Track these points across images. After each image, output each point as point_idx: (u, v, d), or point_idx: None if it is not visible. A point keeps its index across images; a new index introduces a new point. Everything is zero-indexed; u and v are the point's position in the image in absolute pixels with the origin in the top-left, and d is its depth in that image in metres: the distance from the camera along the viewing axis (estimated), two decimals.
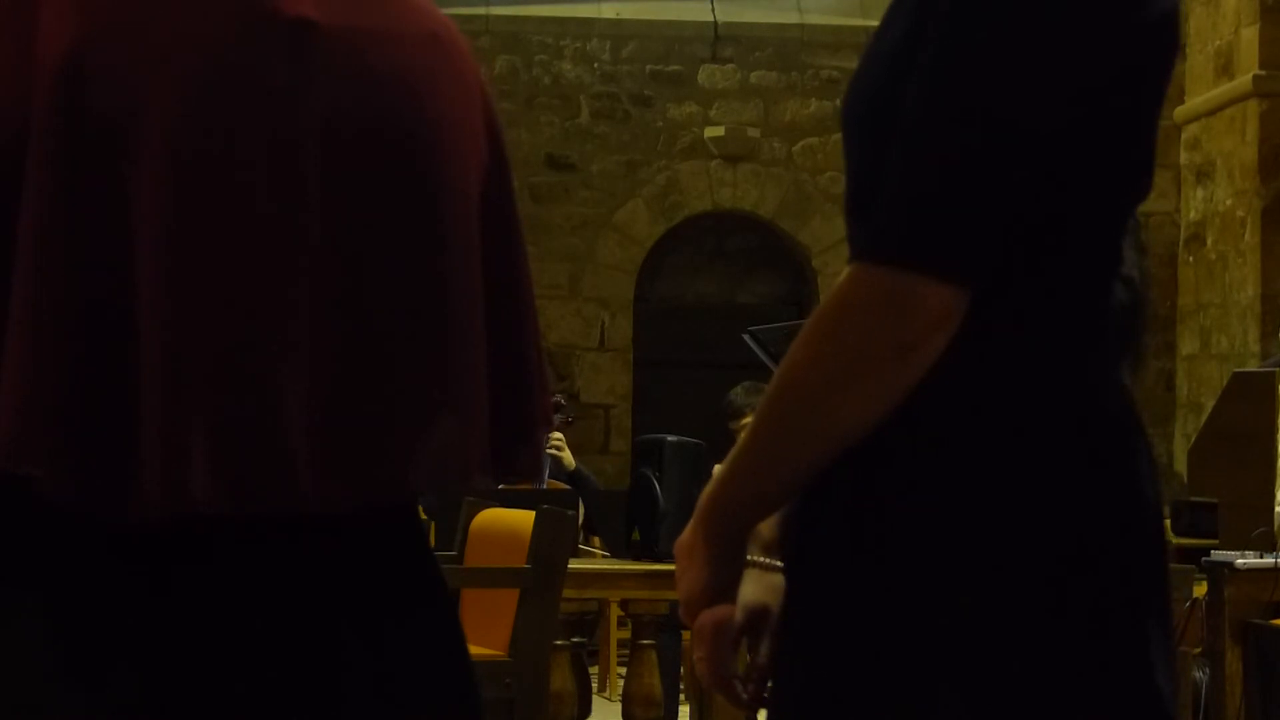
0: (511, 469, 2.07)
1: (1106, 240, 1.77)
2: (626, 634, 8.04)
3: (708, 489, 1.79)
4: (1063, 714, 1.70)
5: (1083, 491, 1.72)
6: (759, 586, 1.83)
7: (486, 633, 5.31)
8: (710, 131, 13.19)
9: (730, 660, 1.82)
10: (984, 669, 1.69)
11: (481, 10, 12.95)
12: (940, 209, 1.66)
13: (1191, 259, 12.29)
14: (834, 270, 12.85)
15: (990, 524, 1.69)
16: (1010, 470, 1.71)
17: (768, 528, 1.83)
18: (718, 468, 1.82)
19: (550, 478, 8.44)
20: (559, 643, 5.85)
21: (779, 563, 1.83)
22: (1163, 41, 1.75)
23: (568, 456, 8.90)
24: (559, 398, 9.26)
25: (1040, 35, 1.67)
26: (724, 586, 1.81)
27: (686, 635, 7.30)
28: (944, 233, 1.67)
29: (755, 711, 1.86)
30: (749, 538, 1.81)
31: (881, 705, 1.70)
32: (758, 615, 1.83)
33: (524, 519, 5.52)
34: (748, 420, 8.17)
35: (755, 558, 1.84)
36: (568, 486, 8.59)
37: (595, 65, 13.28)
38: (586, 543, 7.76)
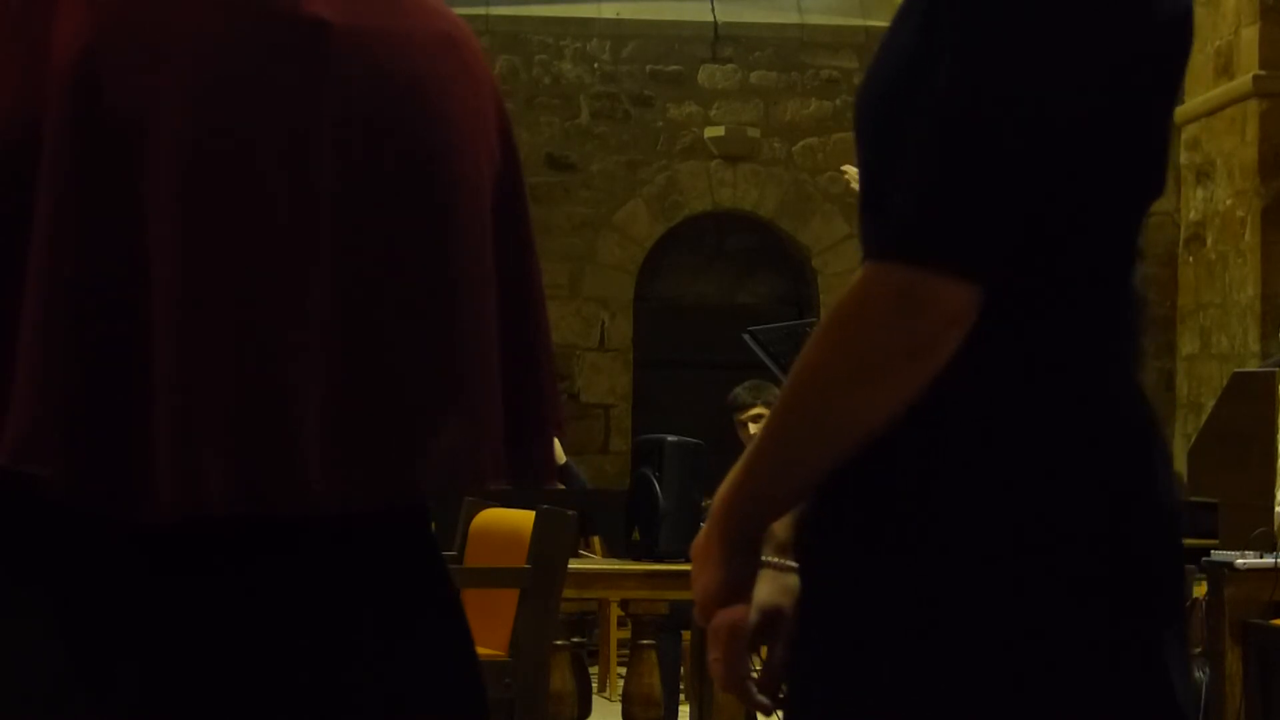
0: (522, 470, 2.07)
1: (1122, 237, 1.77)
2: (626, 634, 8.03)
3: (722, 489, 1.79)
4: (1078, 715, 1.70)
5: (1099, 493, 1.71)
6: (774, 587, 1.83)
7: (486, 633, 5.31)
8: (710, 131, 13.19)
9: (744, 661, 1.82)
10: (997, 669, 1.69)
11: (481, 10, 12.94)
12: (952, 207, 1.66)
13: (1191, 259, 12.29)
14: (834, 270, 12.85)
15: (1004, 525, 1.69)
16: (1025, 472, 1.70)
17: (782, 528, 1.83)
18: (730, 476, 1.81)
19: None
20: (559, 643, 5.85)
21: (793, 564, 1.83)
22: (1177, 40, 1.75)
23: (559, 450, 8.90)
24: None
25: (1052, 33, 1.67)
26: (739, 587, 1.81)
27: (687, 635, 7.30)
28: (957, 230, 1.66)
29: (770, 712, 1.86)
30: (764, 538, 1.82)
31: (894, 706, 1.70)
32: (772, 616, 1.83)
33: (524, 519, 5.52)
34: (753, 412, 8.21)
35: (770, 558, 1.83)
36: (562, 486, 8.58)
37: (595, 65, 13.28)
38: (586, 545, 7.75)
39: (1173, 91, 1.77)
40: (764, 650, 1.86)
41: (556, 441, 7.67)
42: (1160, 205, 12.75)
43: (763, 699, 1.84)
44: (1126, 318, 1.77)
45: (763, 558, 1.83)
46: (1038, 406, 1.71)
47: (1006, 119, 1.66)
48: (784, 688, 1.83)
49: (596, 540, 8.30)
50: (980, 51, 1.67)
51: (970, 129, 1.66)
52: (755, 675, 1.83)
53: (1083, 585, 1.70)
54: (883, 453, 1.71)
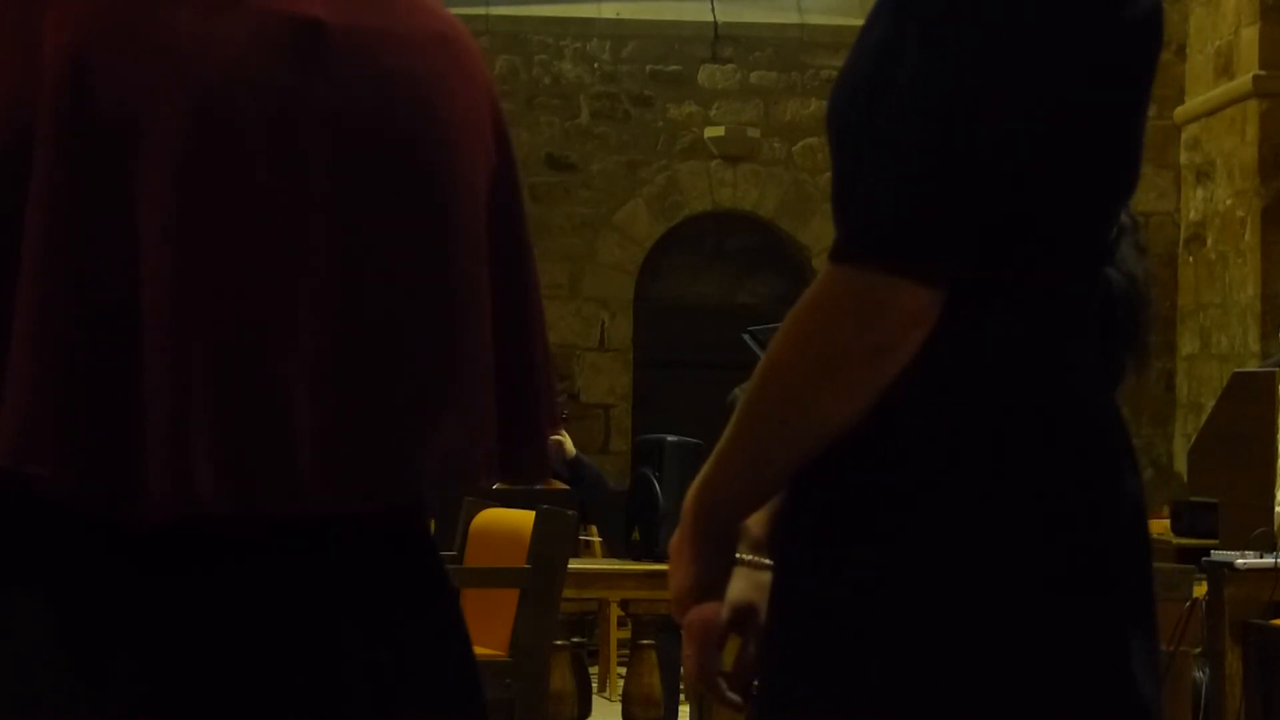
0: (517, 470, 2.07)
1: (1089, 238, 1.77)
2: (626, 634, 8.04)
3: (693, 487, 1.80)
4: (1044, 714, 1.70)
5: (1064, 488, 1.72)
6: (747, 584, 1.84)
7: (486, 633, 5.31)
8: (710, 131, 13.19)
9: (716, 657, 1.83)
10: (965, 666, 1.69)
11: (481, 10, 12.95)
12: (913, 209, 1.67)
13: (1191, 259, 12.29)
14: None
15: (970, 523, 1.70)
16: (990, 470, 1.71)
17: (757, 525, 1.84)
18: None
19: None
20: (559, 643, 5.86)
21: (768, 561, 1.83)
22: (1145, 40, 1.75)
23: (568, 444, 8.92)
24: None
25: (1018, 36, 1.67)
26: (712, 583, 1.81)
27: None
28: (918, 233, 1.67)
29: (742, 709, 1.86)
30: (737, 535, 1.82)
31: (864, 703, 1.70)
32: (745, 613, 1.84)
33: (524, 519, 5.53)
34: None
35: (744, 555, 1.84)
36: (566, 486, 8.59)
37: (595, 65, 13.28)
38: (584, 533, 7.77)
39: (1143, 90, 1.77)
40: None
41: (566, 435, 7.67)
42: (1160, 205, 12.81)
43: (733, 696, 1.84)
44: (1097, 315, 1.77)
45: (737, 555, 1.83)
46: (1004, 405, 1.72)
47: (970, 120, 1.66)
48: (755, 684, 1.83)
49: (594, 529, 8.29)
50: (944, 52, 1.67)
51: (933, 130, 1.66)
52: (726, 671, 1.84)
53: (1052, 581, 1.70)
54: (857, 449, 1.72)
